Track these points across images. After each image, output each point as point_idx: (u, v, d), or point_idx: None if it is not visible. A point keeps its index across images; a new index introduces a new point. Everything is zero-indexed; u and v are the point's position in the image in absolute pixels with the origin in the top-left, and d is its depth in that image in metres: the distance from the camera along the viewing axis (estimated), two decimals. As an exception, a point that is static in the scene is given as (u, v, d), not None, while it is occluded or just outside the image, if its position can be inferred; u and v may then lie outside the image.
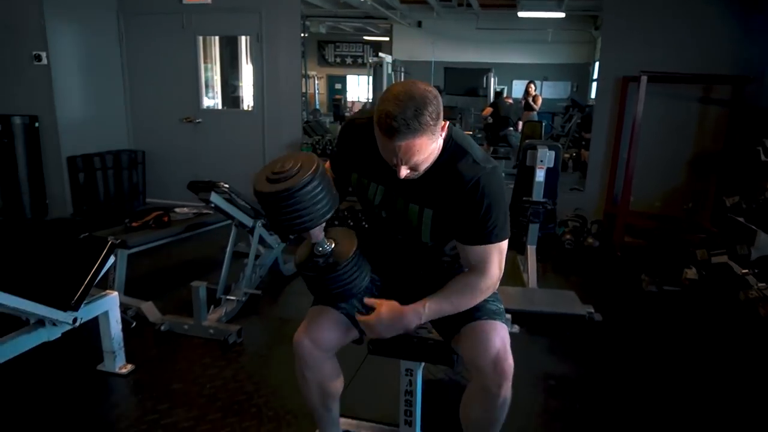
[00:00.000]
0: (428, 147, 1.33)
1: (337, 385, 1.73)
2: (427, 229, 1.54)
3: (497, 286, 1.61)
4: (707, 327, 3.27)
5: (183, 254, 4.28)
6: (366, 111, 1.64)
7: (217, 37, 6.31)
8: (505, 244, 1.52)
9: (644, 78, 4.08)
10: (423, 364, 1.92)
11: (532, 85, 8.75)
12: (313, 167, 1.33)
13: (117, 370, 2.52)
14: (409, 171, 1.37)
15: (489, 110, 7.99)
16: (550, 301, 3.35)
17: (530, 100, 8.53)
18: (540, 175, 3.48)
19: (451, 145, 1.45)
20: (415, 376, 1.89)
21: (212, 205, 3.01)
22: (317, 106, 11.35)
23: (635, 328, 3.25)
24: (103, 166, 5.40)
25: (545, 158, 3.44)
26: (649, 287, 3.72)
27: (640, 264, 4.20)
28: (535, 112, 8.54)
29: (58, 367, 2.58)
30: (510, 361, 1.50)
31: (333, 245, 1.51)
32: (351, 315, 1.65)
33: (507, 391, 1.51)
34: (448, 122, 1.41)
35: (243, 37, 6.26)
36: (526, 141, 3.59)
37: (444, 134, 1.40)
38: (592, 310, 3.24)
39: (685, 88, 4.64)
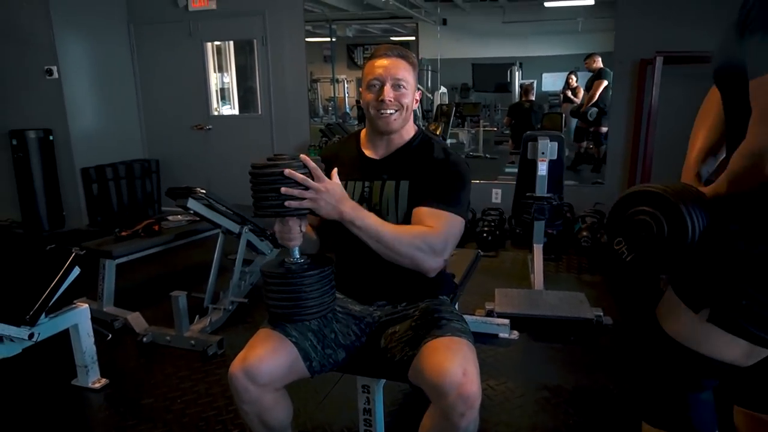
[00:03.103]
0: (409, 79, 1.58)
1: (281, 416, 1.55)
2: (403, 206, 1.57)
3: (440, 264, 1.51)
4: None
5: (181, 262, 4.23)
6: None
7: (232, 44, 6.29)
8: (458, 222, 1.53)
9: (659, 59, 3.77)
10: (383, 381, 1.77)
11: (573, 77, 8.27)
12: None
13: (90, 385, 2.46)
14: (393, 94, 1.55)
15: (508, 120, 7.69)
16: (555, 305, 3.12)
17: (570, 93, 8.11)
18: (542, 169, 3.25)
19: (423, 135, 1.70)
20: (373, 393, 1.74)
21: (191, 211, 2.92)
22: (347, 110, 11.26)
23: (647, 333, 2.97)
24: (115, 176, 5.45)
25: (546, 150, 3.21)
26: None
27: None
28: (575, 106, 8.16)
29: (34, 382, 2.54)
30: (476, 388, 1.30)
31: (306, 259, 1.50)
32: (302, 347, 1.50)
33: (471, 421, 1.30)
34: (421, 92, 1.67)
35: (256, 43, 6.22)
36: (526, 132, 3.36)
37: (416, 107, 1.64)
38: (601, 314, 3.00)
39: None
